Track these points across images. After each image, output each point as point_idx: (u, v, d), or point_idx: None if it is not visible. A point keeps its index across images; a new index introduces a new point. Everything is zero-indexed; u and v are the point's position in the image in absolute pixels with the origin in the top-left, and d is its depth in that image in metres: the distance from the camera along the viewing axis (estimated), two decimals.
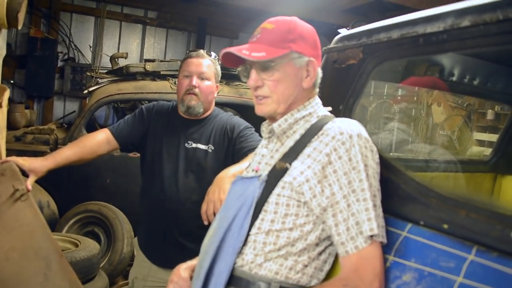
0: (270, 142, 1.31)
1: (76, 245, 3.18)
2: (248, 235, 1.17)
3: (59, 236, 3.35)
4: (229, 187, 1.33)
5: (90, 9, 6.94)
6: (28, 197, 1.80)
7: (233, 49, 1.22)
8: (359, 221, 1.06)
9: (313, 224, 1.14)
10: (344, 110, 1.47)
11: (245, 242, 1.17)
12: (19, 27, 2.48)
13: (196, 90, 2.08)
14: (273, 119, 1.29)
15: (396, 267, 1.05)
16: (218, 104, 5.22)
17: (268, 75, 1.22)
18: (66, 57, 6.75)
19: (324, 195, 1.11)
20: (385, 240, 1.08)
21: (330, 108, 1.33)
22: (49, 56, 6.35)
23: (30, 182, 1.82)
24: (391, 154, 2.70)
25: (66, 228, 3.96)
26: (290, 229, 1.14)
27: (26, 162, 1.84)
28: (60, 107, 6.84)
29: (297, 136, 1.23)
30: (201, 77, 2.11)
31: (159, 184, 2.06)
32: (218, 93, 3.63)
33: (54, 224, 3.94)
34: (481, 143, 5.86)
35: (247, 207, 1.19)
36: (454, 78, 1.85)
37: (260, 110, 1.27)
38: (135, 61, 7.02)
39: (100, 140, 2.07)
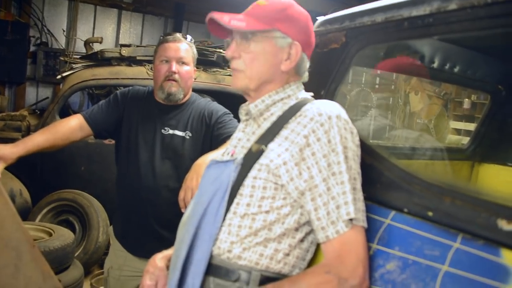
0: (247, 125, 1.27)
1: (50, 234, 3.10)
2: (224, 220, 1.13)
3: (32, 225, 3.26)
4: (204, 172, 1.29)
5: None
6: None
7: (215, 15, 1.18)
8: (339, 204, 1.04)
9: (290, 207, 1.10)
10: (325, 95, 1.44)
11: (220, 228, 1.13)
12: None
13: (176, 76, 2.02)
14: (248, 96, 1.25)
15: (380, 256, 1.02)
16: (195, 91, 5.17)
17: (246, 48, 1.19)
18: (38, 41, 6.56)
19: (302, 178, 1.07)
20: (365, 225, 1.05)
21: (311, 94, 1.29)
22: (20, 40, 6.16)
23: None
24: (370, 141, 2.68)
25: (39, 217, 3.87)
26: (267, 212, 1.10)
27: None
28: (33, 93, 6.66)
29: (274, 118, 1.19)
30: (180, 62, 2.05)
31: (134, 172, 2.00)
32: (195, 79, 3.57)
33: (27, 213, 3.85)
34: (458, 132, 5.94)
35: (222, 191, 1.15)
36: (434, 65, 1.84)
37: (233, 83, 1.24)
38: (110, 46, 6.86)
39: (73, 126, 1.99)
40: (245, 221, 1.11)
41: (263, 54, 1.19)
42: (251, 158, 1.14)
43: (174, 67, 2.02)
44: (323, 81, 1.47)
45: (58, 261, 2.88)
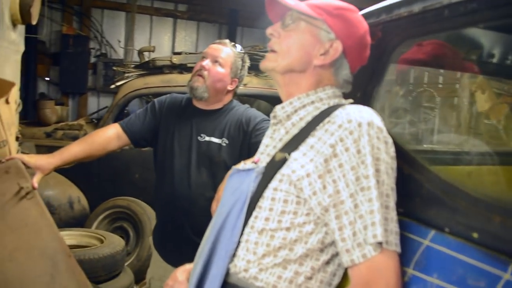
0: (276, 131, 1.16)
1: (101, 241, 3.14)
2: (242, 235, 1.04)
3: (85, 232, 3.33)
4: (226, 181, 1.20)
5: (121, 4, 6.96)
6: (34, 195, 1.73)
7: None
8: (366, 225, 0.90)
9: (314, 224, 0.98)
10: (362, 97, 1.30)
11: (238, 243, 1.04)
12: (33, 22, 2.43)
13: (205, 72, 1.97)
14: (277, 85, 1.17)
15: (416, 283, 0.88)
16: (247, 96, 5.12)
17: (287, 30, 1.12)
18: (98, 53, 6.79)
19: (326, 192, 0.95)
20: (398, 249, 0.91)
21: (351, 101, 1.16)
22: (81, 52, 6.42)
23: (36, 180, 1.75)
24: (425, 146, 2.47)
25: (95, 223, 3.96)
26: (287, 229, 0.99)
27: (32, 159, 1.78)
28: (94, 103, 6.91)
29: (303, 124, 1.08)
30: (215, 61, 1.99)
31: (170, 180, 1.96)
32: (246, 84, 3.48)
33: (85, 219, 3.96)
34: None
35: (241, 203, 1.05)
36: (474, 56, 1.63)
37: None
38: (167, 55, 6.98)
39: (110, 136, 1.98)
40: (262, 238, 1.00)
41: (300, 40, 1.10)
42: (273, 167, 1.04)
43: (206, 62, 1.98)
44: (359, 82, 1.33)
45: (107, 269, 2.91)
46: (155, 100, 2.11)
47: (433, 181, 1.01)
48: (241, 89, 3.92)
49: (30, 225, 1.71)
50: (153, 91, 4.29)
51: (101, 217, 3.99)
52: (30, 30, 6.09)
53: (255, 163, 1.13)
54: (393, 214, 0.94)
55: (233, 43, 2.07)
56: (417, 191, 1.03)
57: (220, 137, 1.95)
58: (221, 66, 1.98)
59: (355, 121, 0.97)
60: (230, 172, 1.20)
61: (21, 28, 2.59)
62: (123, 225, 4.00)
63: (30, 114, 5.69)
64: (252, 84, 4.15)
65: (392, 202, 0.95)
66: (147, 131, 2.04)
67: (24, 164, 1.74)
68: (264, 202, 1.02)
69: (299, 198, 0.98)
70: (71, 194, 3.96)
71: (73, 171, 4.14)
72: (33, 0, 2.36)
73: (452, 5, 1.01)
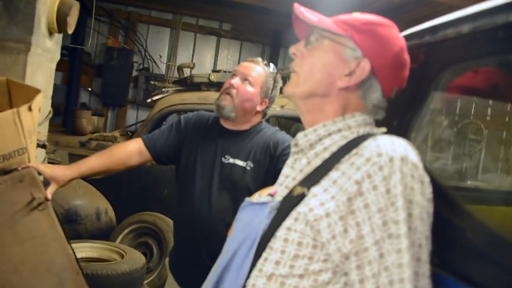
0: (297, 160, 1.03)
1: (122, 256, 3.07)
2: (248, 277, 0.91)
3: (106, 245, 3.27)
4: (237, 214, 1.08)
5: (166, 20, 7.05)
6: (46, 207, 1.67)
7: (297, 4, 1.03)
8: (393, 280, 0.76)
9: (332, 273, 0.84)
10: (398, 126, 1.17)
11: (244, 286, 0.91)
12: (70, 31, 2.42)
13: (233, 91, 1.87)
14: (299, 111, 1.05)
15: None
16: (285, 118, 5.00)
17: (308, 47, 1.01)
18: (141, 67, 6.88)
19: (348, 237, 0.82)
20: None
21: (383, 129, 1.02)
22: (124, 65, 6.51)
23: (50, 191, 1.69)
24: (468, 183, 2.28)
25: (120, 237, 3.91)
26: (300, 276, 0.85)
27: (48, 169, 1.72)
28: (133, 116, 6.97)
29: (326, 155, 0.95)
30: (245, 79, 1.89)
31: (189, 202, 1.85)
32: (283, 106, 3.36)
33: (111, 232, 3.92)
34: None
35: (250, 241, 0.93)
36: None
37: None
38: (208, 72, 7.01)
39: (131, 151, 1.90)
40: (271, 284, 0.87)
41: (322, 60, 0.99)
42: (290, 202, 0.91)
43: (235, 80, 1.87)
44: (397, 109, 1.20)
45: (124, 285, 2.82)
46: (182, 116, 2.03)
47: (476, 230, 0.86)
48: (279, 111, 3.84)
49: (38, 237, 1.64)
50: (189, 107, 4.24)
51: (126, 230, 3.94)
52: (77, 41, 6.29)
53: (271, 195, 1.01)
54: (425, 269, 0.80)
55: (265, 62, 1.97)
56: (457, 240, 0.88)
57: (245, 160, 1.84)
58: (251, 85, 1.88)
59: (386, 155, 0.84)
60: (243, 204, 1.08)
61: (58, 36, 2.59)
62: (148, 241, 3.94)
63: (69, 123, 5.79)
64: (290, 106, 4.04)
65: (425, 253, 0.81)
66: (170, 148, 1.95)
67: (40, 173, 1.70)
68: (276, 243, 0.89)
69: (315, 241, 0.85)
70: (99, 205, 3.94)
71: (102, 182, 4.16)
72: (71, 9, 2.35)
73: (508, 26, 0.87)
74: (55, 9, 2.34)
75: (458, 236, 0.90)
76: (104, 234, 3.89)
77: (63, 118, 6.43)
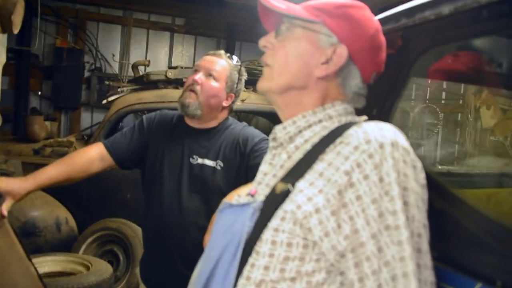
0: (276, 155, 0.96)
1: (88, 268, 2.93)
2: (235, 286, 0.83)
3: (70, 258, 3.12)
4: (216, 218, 1.00)
5: (117, 17, 6.78)
6: (2, 225, 1.53)
7: None
8: (395, 275, 0.71)
9: (326, 273, 0.78)
10: (379, 115, 1.11)
11: None
12: (15, 31, 2.24)
13: (197, 87, 1.77)
14: (276, 106, 0.98)
15: None
16: (246, 112, 4.93)
17: (279, 38, 0.94)
18: (93, 67, 6.61)
19: (342, 233, 0.75)
20: None
21: (364, 117, 0.96)
22: (75, 66, 6.22)
23: (6, 207, 1.55)
24: (439, 167, 2.29)
25: (84, 246, 3.75)
26: (292, 280, 0.78)
27: (1, 183, 1.58)
28: (88, 118, 6.70)
29: (308, 147, 0.88)
30: (208, 74, 1.79)
31: (159, 206, 1.75)
32: (244, 100, 3.28)
33: (73, 242, 3.74)
34: None
35: (234, 247, 0.85)
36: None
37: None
38: (163, 69, 6.83)
39: (92, 157, 1.78)
40: None
41: (296, 49, 0.91)
42: (274, 201, 0.83)
43: (198, 76, 1.77)
44: (376, 97, 1.14)
45: None
46: (144, 117, 1.91)
47: (473, 218, 0.82)
48: (239, 105, 3.75)
49: None
50: (147, 106, 4.10)
51: (90, 239, 3.78)
52: (23, 42, 5.96)
53: (251, 195, 0.93)
54: (426, 259, 0.75)
55: (228, 55, 1.88)
56: (454, 231, 0.84)
57: (214, 159, 1.75)
58: (215, 80, 1.79)
59: (375, 141, 0.78)
60: (220, 206, 1.00)
61: (3, 37, 2.40)
62: (113, 249, 3.79)
63: (20, 130, 5.50)
64: (250, 100, 3.97)
65: (425, 243, 0.76)
66: (134, 151, 1.84)
67: None
68: (262, 247, 0.81)
69: (306, 240, 0.78)
70: (59, 215, 3.75)
71: (60, 190, 3.94)
72: (15, 6, 2.18)
73: (493, 4, 0.82)
74: None
75: (454, 227, 0.85)
76: (66, 245, 3.71)
77: (13, 125, 6.09)
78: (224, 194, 1.57)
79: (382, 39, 0.96)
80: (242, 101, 3.79)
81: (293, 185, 0.82)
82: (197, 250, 1.62)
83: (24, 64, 6.09)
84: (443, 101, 6.23)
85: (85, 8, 6.57)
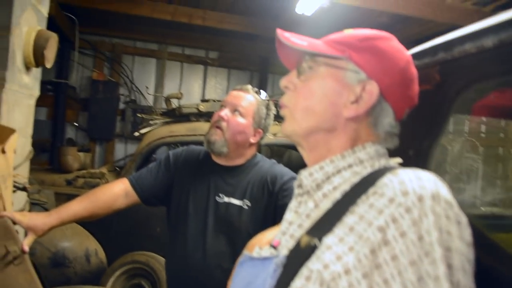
0: (301, 203, 0.88)
1: None
2: None
3: None
4: (235, 271, 0.92)
5: (152, 51, 6.96)
6: (23, 261, 1.49)
7: (279, 31, 0.87)
8: None
9: None
10: (415, 157, 1.03)
11: None
12: (48, 65, 2.28)
13: (223, 124, 1.72)
14: (302, 150, 0.90)
15: None
16: (278, 146, 4.86)
17: (302, 77, 0.86)
18: (127, 99, 6.75)
19: None
20: None
21: (398, 160, 0.88)
22: (110, 98, 6.37)
23: (27, 242, 1.52)
24: (482, 209, 2.14)
25: (112, 279, 3.71)
26: None
27: (25, 218, 1.55)
28: (122, 150, 6.80)
29: (337, 195, 0.80)
30: (235, 110, 1.74)
31: (183, 246, 1.68)
32: (275, 134, 3.20)
33: (102, 274, 3.71)
34: None
35: None
36: None
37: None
38: (197, 102, 6.90)
39: (116, 193, 1.74)
40: None
41: (322, 88, 0.84)
42: (298, 257, 0.75)
43: (224, 112, 1.71)
44: (412, 137, 1.06)
45: None
46: (170, 152, 1.87)
47: None
48: (271, 139, 3.71)
49: None
50: (178, 139, 4.10)
51: (118, 272, 3.74)
52: (61, 75, 6.16)
53: (274, 247, 0.85)
54: None
55: (256, 89, 1.83)
56: None
57: (241, 198, 1.68)
58: (242, 116, 1.73)
59: (413, 193, 0.68)
60: (240, 258, 0.92)
61: (37, 71, 2.45)
62: (141, 283, 3.73)
63: (55, 160, 5.60)
64: (282, 134, 3.91)
65: None
66: (160, 188, 1.79)
67: (16, 223, 1.53)
68: None
69: None
70: (89, 246, 3.74)
71: (91, 221, 3.94)
72: (48, 42, 2.22)
73: None
74: (32, 42, 2.20)
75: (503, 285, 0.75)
76: (95, 277, 3.69)
77: (50, 155, 6.24)
78: (250, 235, 1.49)
79: (414, 70, 0.88)
80: (274, 135, 3.74)
81: (320, 239, 0.74)
82: None
83: (61, 96, 6.27)
84: (482, 135, 6.01)
85: (121, 42, 6.77)
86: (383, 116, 0.85)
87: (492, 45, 0.88)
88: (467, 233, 0.70)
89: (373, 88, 0.82)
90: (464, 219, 0.70)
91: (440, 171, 0.92)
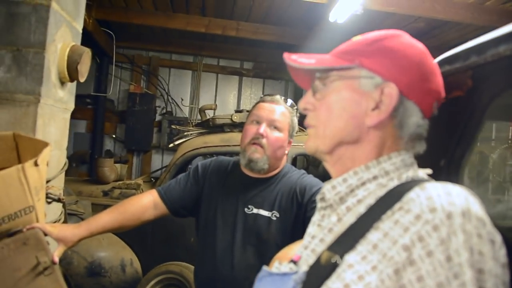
0: (325, 216, 0.84)
1: None
2: None
3: None
4: (254, 285, 0.89)
5: (187, 63, 7.06)
6: (53, 271, 1.51)
7: (286, 54, 0.86)
8: None
9: None
10: (447, 167, 0.97)
11: None
12: (82, 80, 2.33)
13: (264, 140, 1.68)
14: (326, 164, 0.87)
15: None
16: (301, 155, 4.80)
17: (318, 96, 0.84)
18: (164, 111, 6.85)
19: None
20: None
21: (428, 171, 0.83)
22: (147, 110, 6.49)
23: (57, 253, 1.54)
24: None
25: None
26: None
27: (55, 229, 1.57)
28: (158, 160, 6.90)
29: (362, 209, 0.76)
30: (272, 126, 1.71)
31: (211, 259, 1.67)
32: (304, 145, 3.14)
33: (137, 283, 3.75)
34: None
35: None
36: None
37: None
38: (232, 112, 6.94)
39: (145, 205, 1.75)
40: None
41: (339, 102, 0.81)
42: (318, 274, 0.71)
43: (263, 129, 1.68)
44: (443, 146, 1.01)
45: None
46: (199, 163, 1.87)
47: None
48: (300, 149, 3.65)
49: None
50: (212, 150, 4.12)
51: (152, 282, 3.77)
52: (99, 89, 6.33)
53: (295, 262, 0.82)
54: None
55: (283, 98, 1.80)
56: None
57: (270, 210, 1.65)
58: (278, 131, 1.71)
59: (441, 209, 0.64)
60: (260, 273, 0.89)
61: (72, 86, 2.51)
62: None
63: (94, 172, 5.74)
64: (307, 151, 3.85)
65: None
66: (188, 200, 1.79)
67: (46, 234, 1.56)
68: None
69: None
70: (124, 256, 3.80)
71: (127, 231, 3.99)
72: (81, 57, 2.27)
73: None
74: (66, 58, 2.26)
75: None
76: (130, 286, 3.74)
77: (89, 166, 6.40)
78: (279, 246, 1.46)
79: (431, 62, 0.83)
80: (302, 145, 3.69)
81: (341, 256, 0.70)
82: None
83: (100, 109, 6.44)
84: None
85: (157, 55, 6.91)
86: (408, 116, 0.80)
87: None
88: (502, 253, 0.64)
89: (392, 90, 0.78)
90: (498, 238, 0.65)
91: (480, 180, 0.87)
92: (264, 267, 0.90)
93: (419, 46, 0.83)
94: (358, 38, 0.84)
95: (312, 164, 5.25)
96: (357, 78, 0.81)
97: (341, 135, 0.82)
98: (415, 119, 0.80)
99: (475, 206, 0.66)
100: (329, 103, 0.83)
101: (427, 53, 0.83)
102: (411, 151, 0.83)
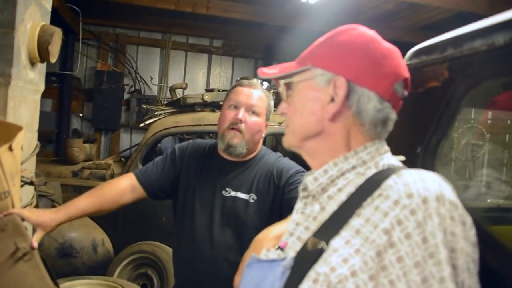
0: (307, 204, 0.89)
1: None
2: None
3: (103, 281, 3.10)
4: (243, 273, 0.93)
5: (156, 40, 6.95)
6: (32, 257, 1.50)
7: (259, 71, 0.98)
8: None
9: None
10: (423, 155, 1.03)
11: None
12: (52, 60, 2.27)
13: (242, 125, 1.70)
14: (305, 157, 0.95)
15: None
16: (281, 135, 4.86)
17: (288, 100, 0.94)
18: (132, 89, 6.75)
19: None
20: None
21: (402, 158, 0.89)
22: (115, 89, 6.38)
23: (36, 238, 1.54)
24: (488, 201, 2.13)
25: (119, 268, 3.76)
26: None
27: (33, 214, 1.56)
28: (127, 139, 6.83)
29: (343, 197, 0.81)
30: (250, 111, 1.73)
31: (190, 240, 1.70)
32: (281, 123, 3.19)
33: (109, 263, 3.76)
34: None
35: None
36: None
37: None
38: (201, 91, 6.89)
39: (123, 188, 1.75)
40: None
41: (300, 102, 0.90)
42: (305, 259, 0.76)
43: (241, 114, 1.70)
44: (420, 134, 1.06)
45: None
46: (176, 146, 1.87)
47: None
48: (277, 129, 3.70)
49: None
50: (183, 129, 4.11)
51: (125, 262, 3.79)
52: (65, 66, 6.16)
53: (281, 248, 0.86)
54: None
55: (260, 81, 1.81)
56: None
57: (247, 192, 1.69)
58: (256, 115, 1.73)
59: (417, 195, 0.70)
60: (248, 259, 0.93)
61: (42, 66, 2.45)
62: (148, 272, 3.78)
63: (61, 151, 5.63)
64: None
65: None
66: (166, 182, 1.80)
67: (24, 220, 1.54)
68: None
69: None
70: (95, 236, 3.79)
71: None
72: (53, 37, 2.21)
73: None
74: (36, 38, 2.19)
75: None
76: (101, 266, 3.74)
77: (55, 146, 6.27)
78: (257, 228, 1.50)
79: (381, 47, 0.86)
80: (280, 124, 3.73)
81: (327, 242, 0.75)
82: (228, 286, 1.57)
83: (66, 87, 6.29)
84: (489, 121, 5.96)
85: (125, 32, 6.76)
86: (364, 103, 0.84)
87: (503, 42, 0.87)
88: (472, 234, 0.71)
89: (341, 81, 0.83)
90: (469, 220, 0.71)
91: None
92: (253, 254, 0.94)
93: (368, 34, 0.87)
94: (317, 41, 0.92)
95: (280, 143, 5.33)
96: (313, 78, 0.87)
97: (305, 130, 0.89)
98: (372, 104, 0.83)
99: (448, 191, 0.72)
100: (294, 104, 0.92)
101: (377, 39, 0.87)
102: (378, 135, 0.87)
